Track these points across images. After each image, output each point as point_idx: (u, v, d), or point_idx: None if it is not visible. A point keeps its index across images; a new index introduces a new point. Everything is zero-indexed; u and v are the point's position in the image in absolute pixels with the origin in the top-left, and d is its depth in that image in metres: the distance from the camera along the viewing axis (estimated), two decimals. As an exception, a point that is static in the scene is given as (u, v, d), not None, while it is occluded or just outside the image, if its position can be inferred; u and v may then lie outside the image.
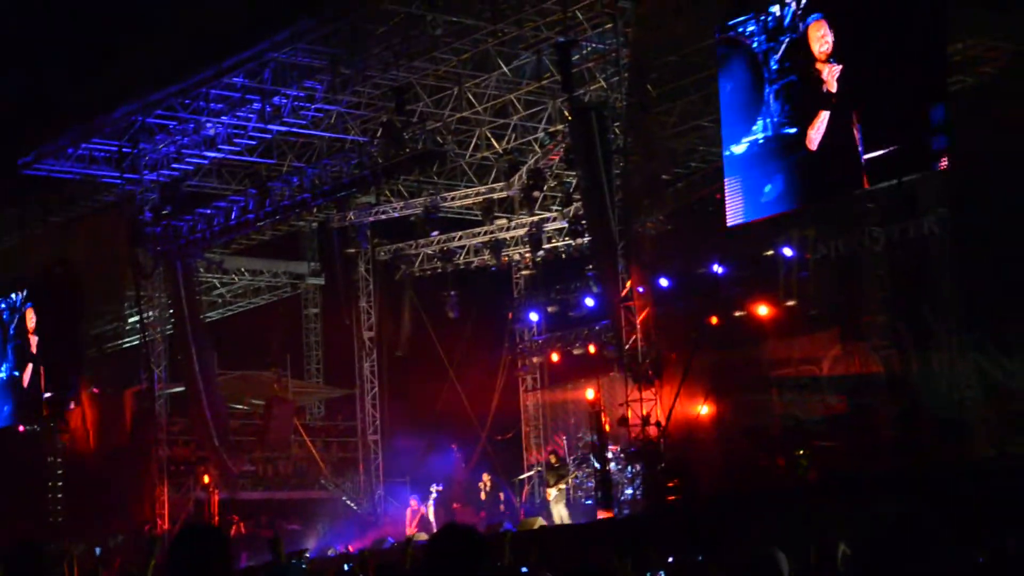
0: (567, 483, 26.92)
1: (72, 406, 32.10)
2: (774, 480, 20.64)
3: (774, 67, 20.58)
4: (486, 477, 29.50)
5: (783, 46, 20.49)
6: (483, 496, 28.85)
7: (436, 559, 5.20)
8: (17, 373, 33.89)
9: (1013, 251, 18.92)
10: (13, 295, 33.92)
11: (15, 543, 6.60)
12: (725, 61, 21.68)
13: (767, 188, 20.79)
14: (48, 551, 6.69)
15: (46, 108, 30.30)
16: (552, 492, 26.33)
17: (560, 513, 26.13)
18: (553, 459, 27.42)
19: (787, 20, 20.40)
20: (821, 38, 19.66)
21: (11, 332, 34.20)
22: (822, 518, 15.93)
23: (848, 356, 21.19)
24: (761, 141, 20.62)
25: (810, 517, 16.76)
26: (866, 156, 18.76)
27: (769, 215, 21.40)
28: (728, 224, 22.35)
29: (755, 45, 20.96)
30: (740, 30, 21.25)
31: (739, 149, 21.16)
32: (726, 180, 21.86)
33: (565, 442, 29.94)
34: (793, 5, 20.28)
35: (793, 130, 20.08)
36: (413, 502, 29.83)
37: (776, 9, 20.55)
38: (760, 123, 20.79)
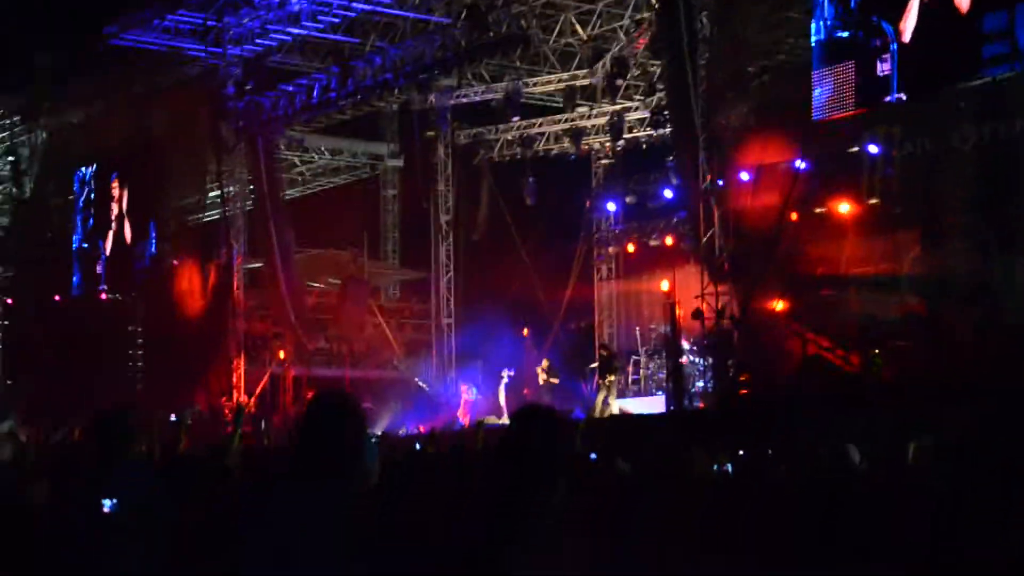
0: (616, 377, 26.64)
1: (153, 276, 32.51)
2: (848, 378, 20.45)
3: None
4: (545, 363, 29.30)
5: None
6: (540, 383, 28.70)
7: (517, 438, 5.12)
8: (87, 245, 34.37)
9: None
10: (84, 168, 34.28)
11: (104, 410, 6.65)
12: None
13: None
14: (136, 418, 6.77)
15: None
16: (607, 384, 26.10)
17: (614, 407, 26.00)
18: (605, 353, 27.30)
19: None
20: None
21: (79, 205, 34.62)
22: (895, 418, 15.83)
23: (929, 257, 20.83)
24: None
25: (883, 416, 16.66)
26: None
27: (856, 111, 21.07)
28: (813, 118, 22.06)
29: None
30: None
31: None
32: (814, 73, 21.47)
33: (639, 341, 29.59)
34: None
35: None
36: (464, 388, 30.04)
37: None
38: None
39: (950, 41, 19.42)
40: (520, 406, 5.44)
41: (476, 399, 29.94)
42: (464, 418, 29.28)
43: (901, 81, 19.94)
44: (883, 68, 19.56)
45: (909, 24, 19.87)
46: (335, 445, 5.05)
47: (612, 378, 26.38)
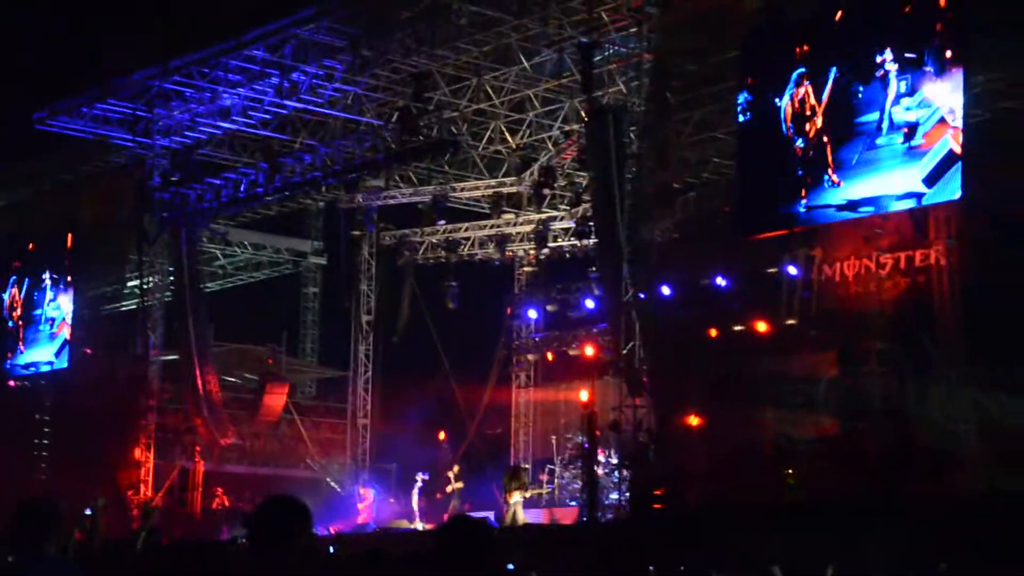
0: (527, 493, 26.48)
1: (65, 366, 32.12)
2: (761, 497, 20.55)
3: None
4: (456, 468, 29.12)
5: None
6: (449, 489, 28.49)
7: (447, 551, 5.14)
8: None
9: (1021, 287, 18.90)
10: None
11: (31, 499, 6.56)
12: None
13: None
14: (61, 508, 6.69)
15: (64, 66, 30.24)
16: (515, 496, 25.93)
17: (520, 517, 25.80)
18: (511, 474, 27.01)
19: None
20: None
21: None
22: (809, 538, 15.94)
23: (845, 379, 21.14)
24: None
25: (797, 537, 16.76)
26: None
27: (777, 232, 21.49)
28: (735, 238, 22.41)
29: None
30: None
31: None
32: (739, 192, 21.91)
33: (555, 450, 29.57)
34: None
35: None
36: (363, 490, 29.85)
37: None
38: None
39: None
40: (451, 516, 5.47)
41: (375, 501, 29.74)
42: (362, 519, 29.09)
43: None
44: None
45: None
46: (287, 547, 5.07)
47: (527, 494, 26.16)
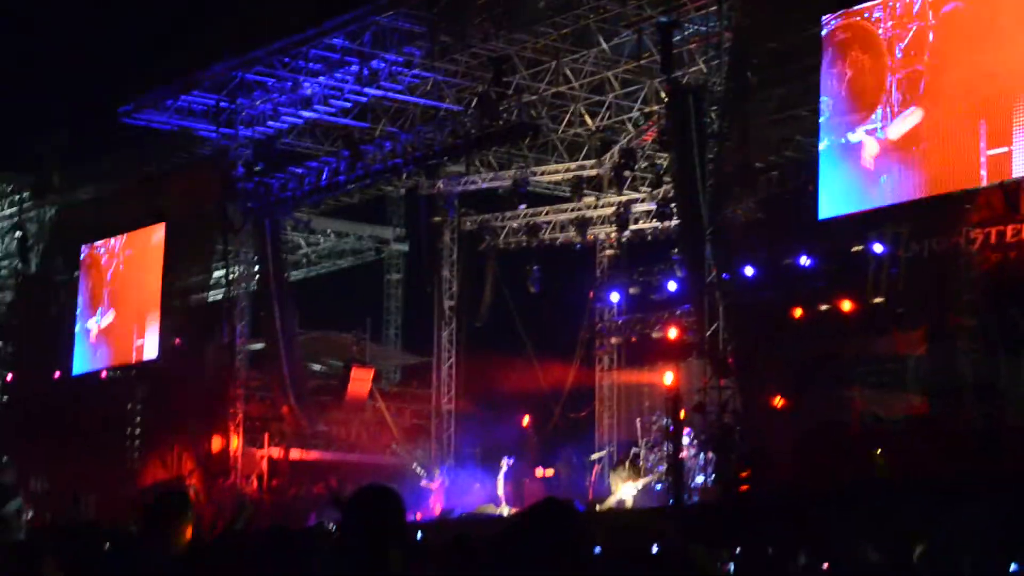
0: (637, 482, 26.45)
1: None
2: (849, 477, 20.35)
3: (899, 56, 20.38)
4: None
5: (910, 34, 20.33)
6: (560, 476, 28.62)
7: (534, 533, 5.09)
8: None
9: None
10: (112, 239, 34.41)
11: (163, 491, 6.70)
12: (841, 47, 21.44)
13: (882, 179, 20.67)
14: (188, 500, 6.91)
15: (148, 59, 30.61)
16: (625, 484, 25.91)
17: (624, 496, 25.80)
18: (629, 465, 26.93)
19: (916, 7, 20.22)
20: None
21: (108, 277, 34.74)
22: (899, 518, 15.78)
23: (934, 357, 20.83)
24: (880, 129, 20.48)
25: (887, 516, 16.61)
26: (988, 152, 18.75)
27: (864, 209, 21.27)
28: (819, 217, 22.18)
29: (880, 32, 20.75)
30: (866, 15, 21.04)
31: (854, 137, 20.96)
32: (821, 171, 21.71)
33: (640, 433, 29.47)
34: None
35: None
36: (428, 483, 29.93)
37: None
38: (879, 112, 20.62)
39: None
40: (538, 500, 5.41)
41: (442, 486, 29.80)
42: (436, 506, 29.16)
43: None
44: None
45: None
46: (381, 537, 5.08)
47: (635, 483, 26.05)
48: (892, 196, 20.90)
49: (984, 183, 19.46)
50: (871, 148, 20.99)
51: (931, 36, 20.40)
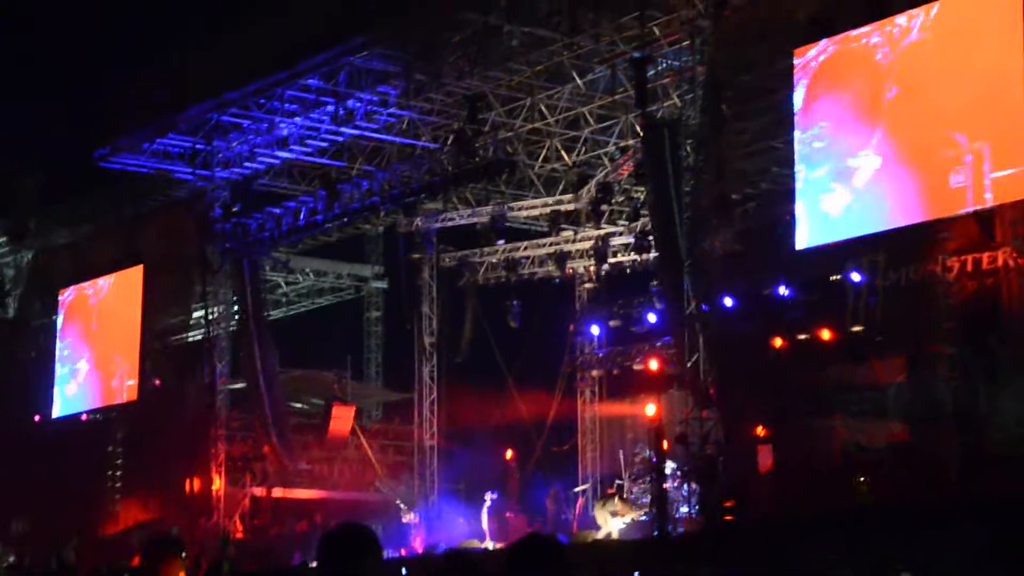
0: (623, 516, 26.42)
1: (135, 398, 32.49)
2: (832, 505, 20.39)
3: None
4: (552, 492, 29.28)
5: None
6: (549, 510, 28.67)
7: (518, 569, 5.12)
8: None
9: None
10: (90, 282, 34.39)
11: (158, 537, 6.71)
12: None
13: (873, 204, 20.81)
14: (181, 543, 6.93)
15: (122, 103, 30.60)
16: (610, 520, 25.88)
17: (610, 530, 25.79)
18: (618, 500, 26.86)
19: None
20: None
21: (86, 320, 34.71)
22: (882, 545, 15.82)
23: (914, 385, 20.93)
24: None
25: (870, 544, 16.66)
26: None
27: (840, 240, 21.39)
28: (797, 247, 22.29)
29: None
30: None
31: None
32: (798, 202, 21.85)
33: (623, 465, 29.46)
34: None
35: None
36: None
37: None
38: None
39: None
40: (524, 535, 5.44)
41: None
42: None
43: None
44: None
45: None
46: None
47: (623, 517, 26.01)
48: (880, 222, 20.96)
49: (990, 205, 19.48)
50: (865, 172, 21.05)
51: (917, 59, 20.56)
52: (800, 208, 22.09)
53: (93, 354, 34.15)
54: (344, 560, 5.10)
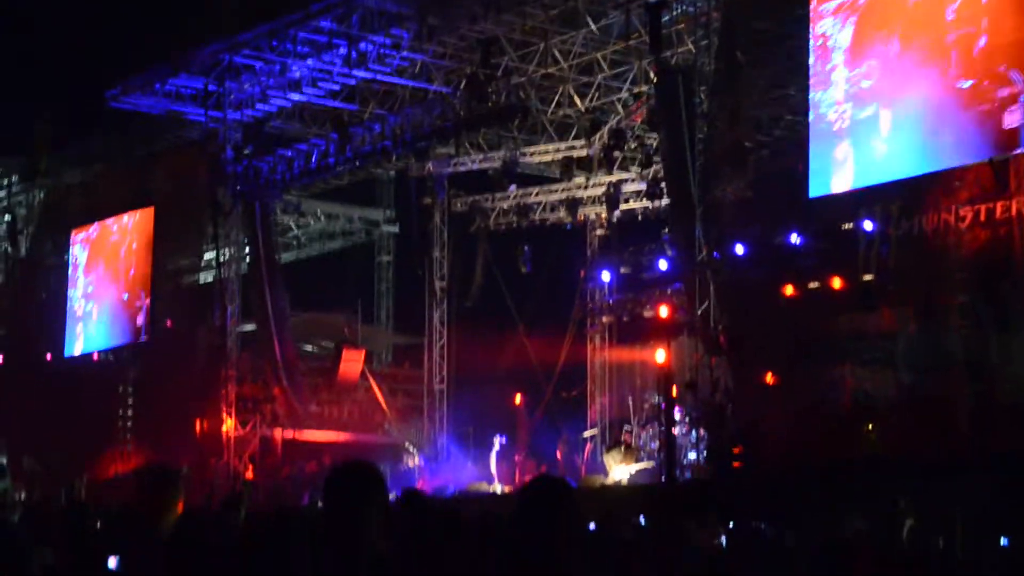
0: (631, 464, 26.46)
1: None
2: (839, 453, 20.38)
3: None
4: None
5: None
6: (559, 455, 28.79)
7: (528, 509, 5.09)
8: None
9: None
10: (102, 222, 34.43)
11: (156, 468, 6.60)
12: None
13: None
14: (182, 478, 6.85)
15: (135, 43, 30.51)
16: (618, 467, 25.98)
17: (618, 477, 25.84)
18: (624, 447, 26.92)
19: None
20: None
21: (97, 260, 34.79)
22: (889, 492, 15.80)
23: (925, 334, 20.84)
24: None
25: (877, 491, 16.62)
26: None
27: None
28: (833, 191, 22.12)
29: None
30: None
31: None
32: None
33: (632, 411, 29.50)
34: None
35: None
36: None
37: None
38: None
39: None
40: (533, 477, 5.40)
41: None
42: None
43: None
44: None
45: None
46: (360, 514, 5.05)
47: (629, 464, 26.05)
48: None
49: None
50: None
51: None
52: (845, 149, 21.74)
53: (104, 294, 34.20)
54: (349, 497, 5.07)
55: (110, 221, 34.46)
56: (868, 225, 21.98)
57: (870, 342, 21.76)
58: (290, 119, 31.74)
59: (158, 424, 30.89)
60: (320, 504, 5.57)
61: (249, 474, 29.75)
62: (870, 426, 20.46)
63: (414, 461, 30.61)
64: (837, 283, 23.06)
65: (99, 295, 34.47)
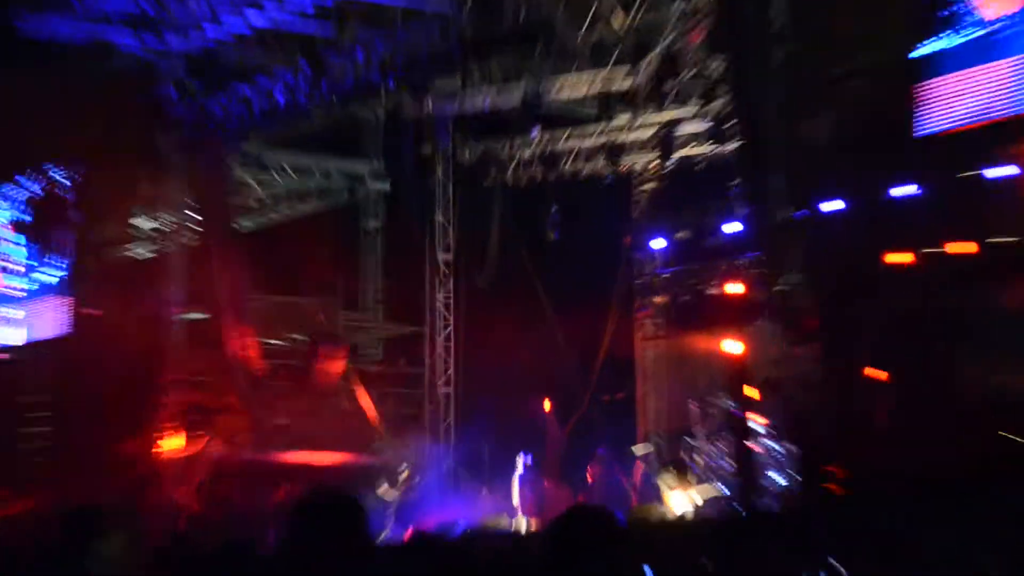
0: (692, 490, 26.67)
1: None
2: (968, 467, 20.31)
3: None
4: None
5: None
6: (589, 478, 29.01)
7: (562, 551, 4.95)
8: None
9: None
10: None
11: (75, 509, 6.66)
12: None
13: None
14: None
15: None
16: (669, 483, 26.25)
17: (675, 501, 26.02)
18: (675, 467, 27.17)
19: None
20: None
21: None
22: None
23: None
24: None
25: (1017, 519, 16.47)
26: None
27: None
28: (919, 134, 21.99)
29: None
30: None
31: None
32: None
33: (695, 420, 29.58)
34: None
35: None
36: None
37: None
38: None
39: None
40: (568, 509, 5.26)
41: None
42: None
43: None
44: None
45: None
46: (331, 558, 4.93)
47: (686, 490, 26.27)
48: None
49: None
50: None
51: None
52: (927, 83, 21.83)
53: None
54: (319, 536, 4.99)
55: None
56: (1001, 171, 21.90)
57: (1005, 322, 21.65)
58: (249, 46, 31.62)
59: (74, 444, 30.88)
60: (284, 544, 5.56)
61: (195, 505, 29.73)
62: (1008, 431, 20.29)
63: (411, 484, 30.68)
64: (960, 248, 23.03)
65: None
